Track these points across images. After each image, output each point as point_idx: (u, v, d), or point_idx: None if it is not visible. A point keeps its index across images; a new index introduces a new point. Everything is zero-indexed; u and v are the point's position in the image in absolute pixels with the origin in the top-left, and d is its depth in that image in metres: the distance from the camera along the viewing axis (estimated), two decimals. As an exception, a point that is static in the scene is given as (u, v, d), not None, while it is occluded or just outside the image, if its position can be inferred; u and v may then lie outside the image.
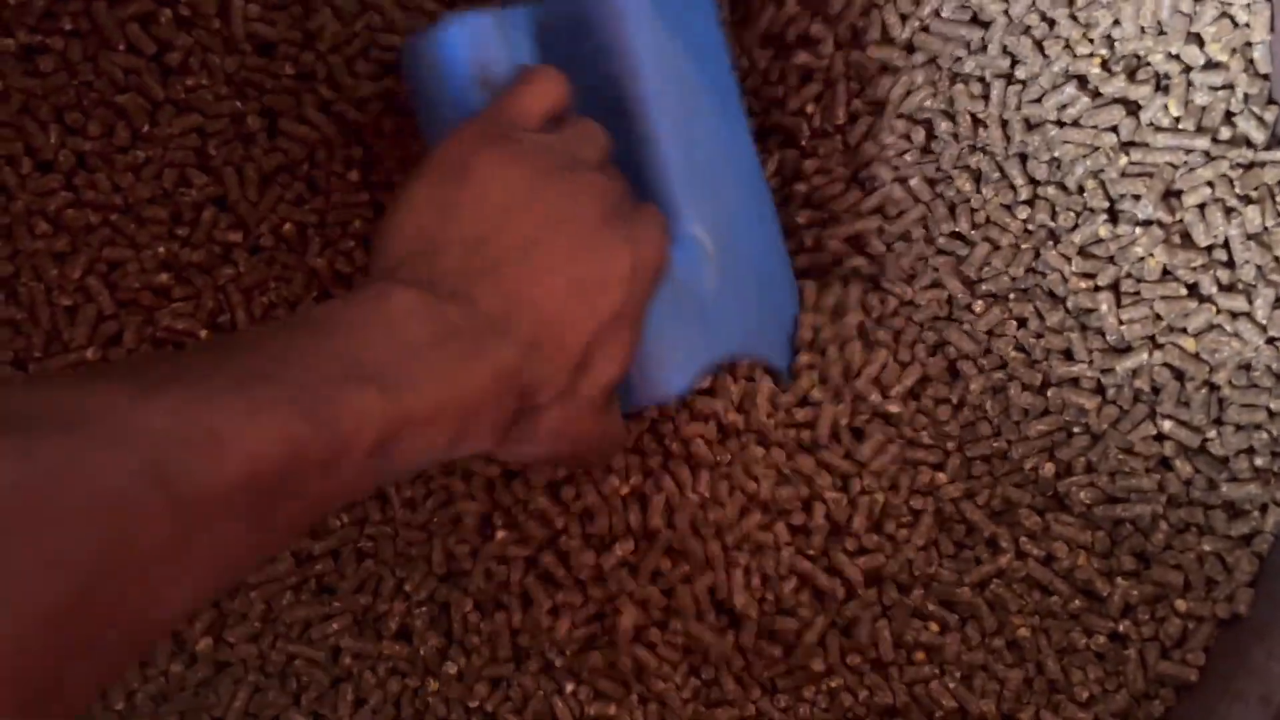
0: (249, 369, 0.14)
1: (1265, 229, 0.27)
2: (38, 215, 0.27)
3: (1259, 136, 0.27)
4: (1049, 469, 0.27)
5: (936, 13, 0.28)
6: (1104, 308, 0.26)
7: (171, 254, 0.26)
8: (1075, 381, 0.26)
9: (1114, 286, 0.26)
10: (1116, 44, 0.27)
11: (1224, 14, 0.27)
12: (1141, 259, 0.26)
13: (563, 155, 0.19)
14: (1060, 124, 0.27)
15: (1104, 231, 0.27)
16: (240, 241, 0.27)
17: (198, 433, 0.13)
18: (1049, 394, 0.26)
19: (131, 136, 0.27)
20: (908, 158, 0.27)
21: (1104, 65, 0.27)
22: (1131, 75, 0.27)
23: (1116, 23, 0.27)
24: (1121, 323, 0.26)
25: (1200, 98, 0.27)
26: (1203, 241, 0.26)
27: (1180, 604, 0.27)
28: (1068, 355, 0.27)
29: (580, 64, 0.22)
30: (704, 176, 0.23)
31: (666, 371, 0.22)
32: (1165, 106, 0.27)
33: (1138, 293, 0.26)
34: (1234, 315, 0.26)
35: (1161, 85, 0.27)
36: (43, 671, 0.12)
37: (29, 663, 0.11)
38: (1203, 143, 0.27)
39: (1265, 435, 0.27)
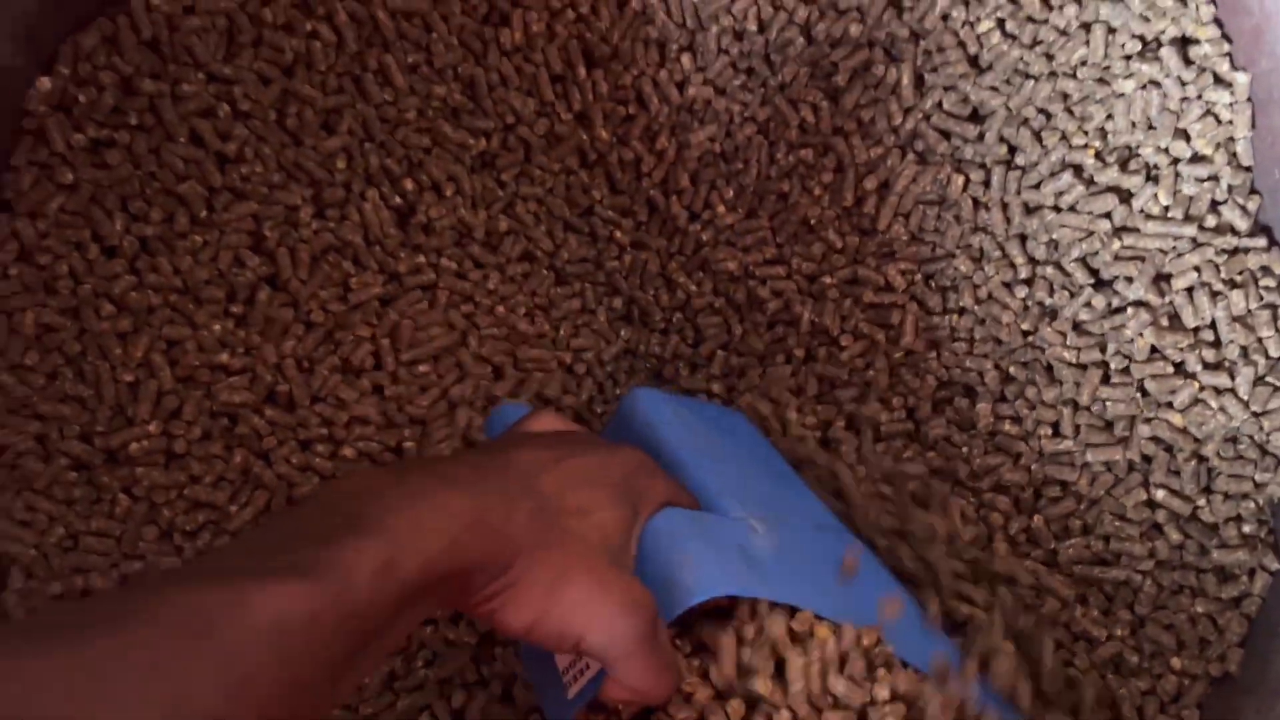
0: (282, 556, 0.17)
1: (1249, 311, 0.28)
2: (103, 297, 0.28)
3: (1242, 224, 0.29)
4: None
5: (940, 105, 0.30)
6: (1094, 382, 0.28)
7: (228, 331, 0.28)
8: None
9: (1104, 363, 0.28)
10: (1109, 136, 0.29)
11: (1209, 112, 0.29)
12: (1131, 340, 0.28)
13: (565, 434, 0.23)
14: (1056, 209, 0.29)
15: (1098, 308, 0.29)
16: (292, 319, 0.29)
17: (380, 560, 0.17)
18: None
19: (190, 222, 0.28)
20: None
21: (1098, 156, 0.29)
22: (1124, 165, 0.29)
23: (1109, 117, 0.29)
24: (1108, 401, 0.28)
25: (1187, 188, 0.29)
26: (1191, 323, 0.28)
27: (1175, 662, 0.29)
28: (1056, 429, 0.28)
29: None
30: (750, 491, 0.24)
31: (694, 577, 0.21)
32: (1155, 195, 0.29)
33: (1126, 369, 0.28)
34: (1219, 391, 0.28)
35: (1151, 175, 0.29)
36: None
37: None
38: (1190, 230, 0.28)
39: (1252, 504, 0.28)
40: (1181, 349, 0.28)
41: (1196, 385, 0.28)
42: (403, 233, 0.30)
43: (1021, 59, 0.28)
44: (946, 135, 0.29)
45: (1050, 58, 0.28)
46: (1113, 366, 0.28)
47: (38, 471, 0.28)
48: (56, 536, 0.28)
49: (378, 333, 0.29)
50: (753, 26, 0.31)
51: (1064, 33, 0.28)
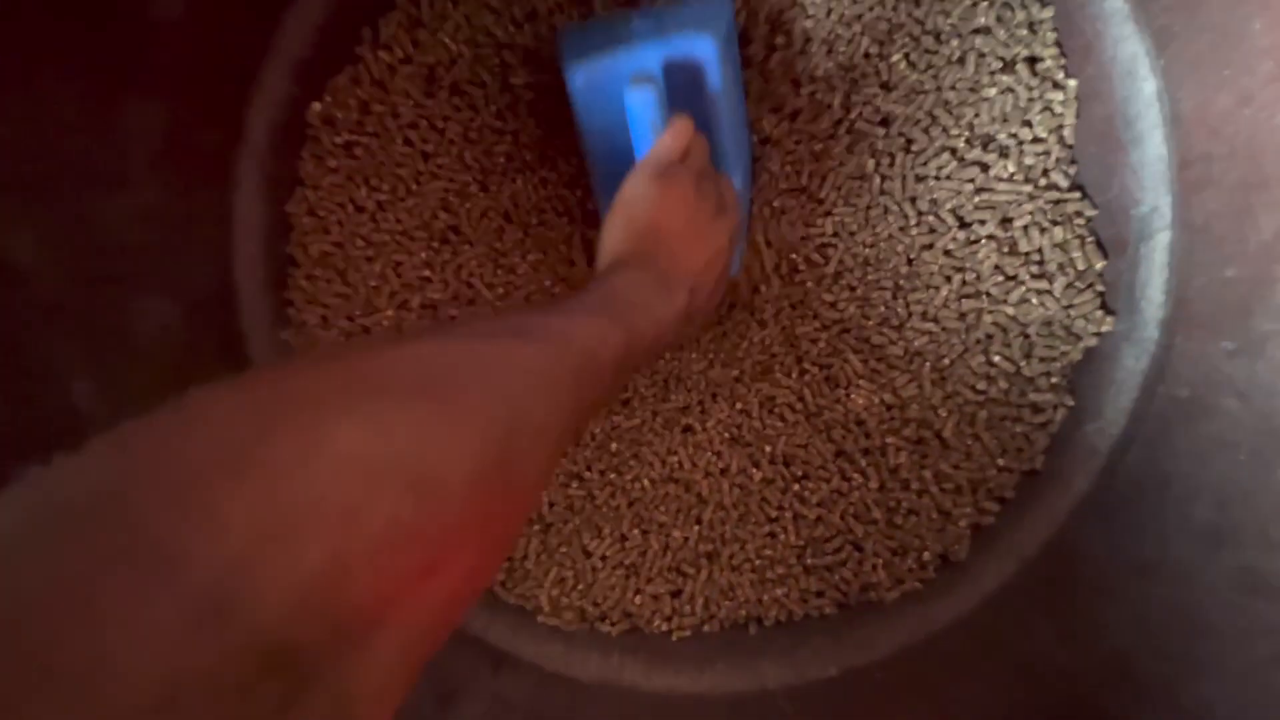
0: (589, 307, 0.23)
1: (1065, 240, 0.43)
2: (355, 235, 0.47)
3: (1064, 183, 0.43)
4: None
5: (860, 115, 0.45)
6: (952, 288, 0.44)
7: (431, 257, 0.47)
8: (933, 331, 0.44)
9: (963, 277, 0.44)
10: (975, 127, 0.43)
11: (1047, 108, 0.43)
12: (981, 261, 0.44)
13: (693, 177, 0.30)
14: (937, 178, 0.44)
15: (960, 240, 0.44)
16: (470, 250, 0.47)
17: (600, 328, 0.22)
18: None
19: (406, 191, 0.47)
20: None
21: (967, 141, 0.43)
22: (985, 146, 0.43)
23: (977, 115, 0.43)
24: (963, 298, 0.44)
25: (1028, 160, 0.43)
26: (1024, 249, 0.43)
27: (1000, 461, 0.45)
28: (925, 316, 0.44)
29: (686, 77, 0.34)
30: (739, 141, 0.37)
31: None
32: (1005, 165, 0.43)
33: (977, 279, 0.44)
34: (1039, 293, 0.43)
35: (1004, 152, 0.43)
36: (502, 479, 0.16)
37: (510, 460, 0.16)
38: (1028, 188, 0.43)
39: (1058, 365, 0.44)
40: (1016, 267, 0.43)
41: (1024, 288, 0.43)
42: (537, 198, 0.48)
43: (918, 80, 0.43)
44: (864, 134, 0.45)
45: (937, 77, 0.43)
46: (967, 279, 0.44)
47: (321, 337, 0.48)
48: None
49: (518, 253, 0.48)
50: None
51: (949, 60, 0.42)
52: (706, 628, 0.47)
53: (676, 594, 0.47)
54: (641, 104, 0.30)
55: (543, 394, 0.18)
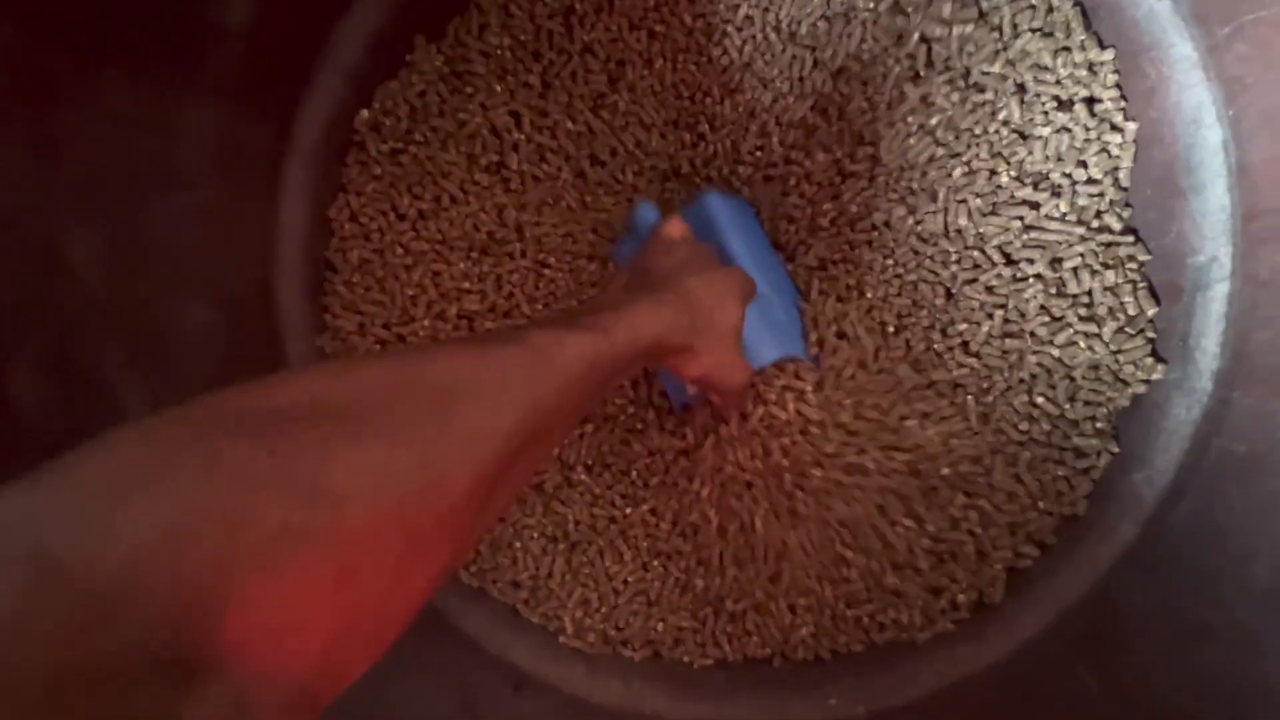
0: (581, 325, 0.25)
1: (1116, 284, 0.42)
2: (396, 244, 0.47)
3: (1117, 226, 0.42)
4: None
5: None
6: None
7: (469, 268, 0.47)
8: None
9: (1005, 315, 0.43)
10: (1026, 165, 0.43)
11: (1103, 149, 0.42)
12: (1028, 300, 0.43)
13: (690, 245, 0.36)
14: (984, 214, 0.43)
15: (1005, 277, 0.43)
16: (511, 262, 0.47)
17: (586, 345, 0.24)
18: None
19: (450, 200, 0.47)
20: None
21: (1017, 179, 0.43)
22: (1036, 185, 0.43)
23: (1030, 153, 0.43)
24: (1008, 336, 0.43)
25: (1081, 201, 0.42)
26: (1073, 291, 0.43)
27: (1040, 504, 0.44)
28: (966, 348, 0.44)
29: (704, 227, 0.41)
30: (763, 268, 0.41)
31: (764, 351, 0.39)
32: (1058, 205, 0.43)
33: (1022, 318, 0.43)
34: (1088, 336, 0.43)
35: (1056, 192, 0.43)
36: (493, 476, 0.18)
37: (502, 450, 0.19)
38: (1080, 230, 0.42)
39: (1104, 410, 0.43)
40: (1064, 309, 0.43)
41: (1071, 330, 0.42)
42: (576, 210, 0.47)
43: (973, 120, 0.42)
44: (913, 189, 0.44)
45: (993, 116, 0.42)
46: (1010, 317, 0.43)
47: (357, 344, 0.48)
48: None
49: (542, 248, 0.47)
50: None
51: (995, 104, 0.42)
52: (731, 658, 0.46)
53: (700, 624, 0.46)
54: (644, 212, 0.40)
55: (473, 402, 0.19)
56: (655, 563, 0.46)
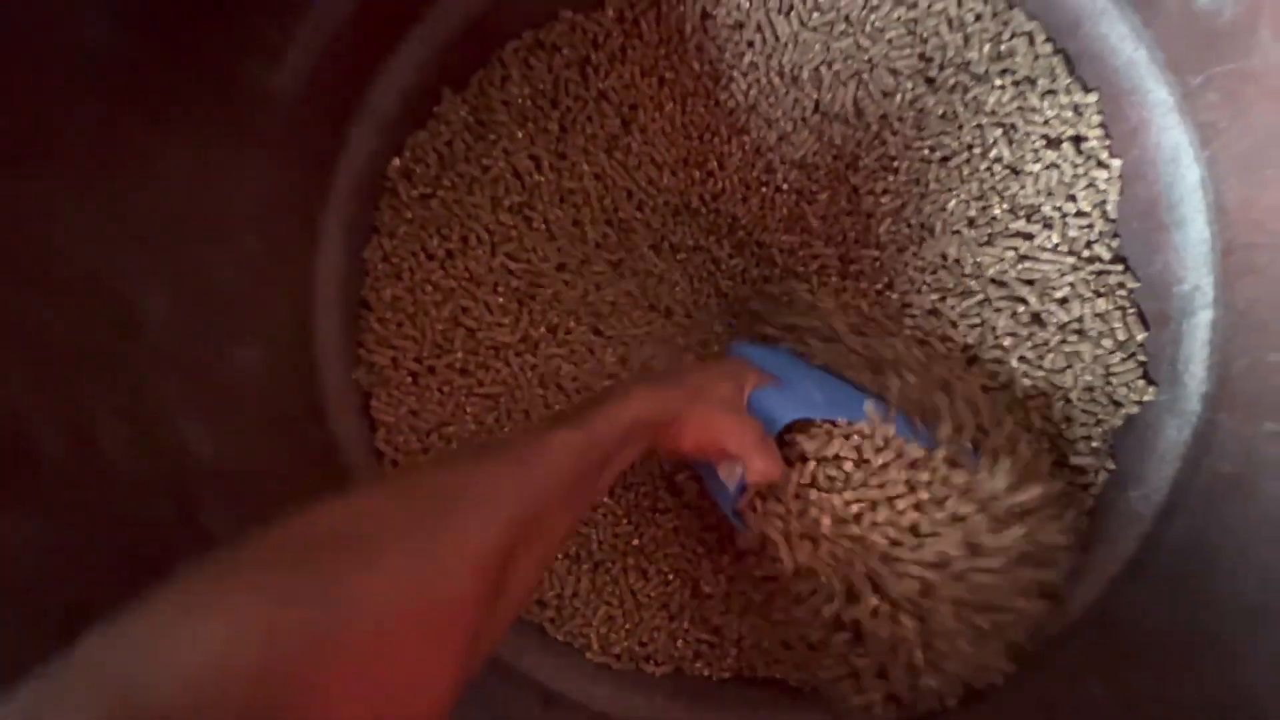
0: (567, 421, 0.27)
1: (1106, 311, 0.45)
2: (426, 281, 0.50)
3: (1107, 255, 0.45)
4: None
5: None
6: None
7: (495, 303, 0.50)
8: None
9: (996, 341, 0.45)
10: (1019, 198, 0.45)
11: (1091, 184, 0.45)
12: (1023, 325, 0.45)
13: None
14: (979, 244, 0.46)
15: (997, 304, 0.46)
16: (532, 295, 0.50)
17: (569, 438, 0.26)
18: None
19: (476, 240, 0.50)
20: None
21: (1010, 212, 0.45)
22: (1029, 218, 0.45)
23: (1022, 187, 0.45)
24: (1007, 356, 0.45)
25: (1072, 232, 0.45)
26: (1064, 320, 0.45)
27: None
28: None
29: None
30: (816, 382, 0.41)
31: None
32: (1049, 236, 0.45)
33: (1014, 343, 0.45)
34: (1080, 361, 0.45)
35: (1048, 224, 0.45)
36: (507, 554, 0.21)
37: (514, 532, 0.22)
38: (1071, 260, 0.45)
39: (1099, 430, 0.45)
40: (1057, 334, 0.45)
41: (1065, 355, 0.45)
42: (610, 264, 0.50)
43: (963, 158, 0.45)
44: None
45: (984, 154, 0.45)
46: (1004, 343, 0.45)
47: (390, 378, 0.51)
48: (401, 412, 0.50)
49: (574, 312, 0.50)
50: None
51: (987, 142, 0.45)
52: (747, 673, 0.48)
53: (717, 639, 0.48)
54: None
55: (467, 507, 0.22)
56: (674, 578, 0.48)
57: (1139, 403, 0.43)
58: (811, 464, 0.37)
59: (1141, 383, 0.43)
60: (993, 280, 0.45)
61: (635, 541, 0.49)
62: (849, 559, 0.35)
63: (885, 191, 0.46)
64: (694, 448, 0.34)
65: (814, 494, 0.36)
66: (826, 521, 0.35)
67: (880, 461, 0.36)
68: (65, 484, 0.27)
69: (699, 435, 0.33)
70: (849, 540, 0.35)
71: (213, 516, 0.33)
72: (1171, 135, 0.39)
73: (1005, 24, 0.44)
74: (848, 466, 0.36)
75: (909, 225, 0.46)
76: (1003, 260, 0.45)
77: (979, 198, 0.45)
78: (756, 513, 0.37)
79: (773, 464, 0.34)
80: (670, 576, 0.48)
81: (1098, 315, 0.44)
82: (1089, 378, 0.44)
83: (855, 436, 0.37)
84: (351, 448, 0.47)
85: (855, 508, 0.35)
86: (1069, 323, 0.44)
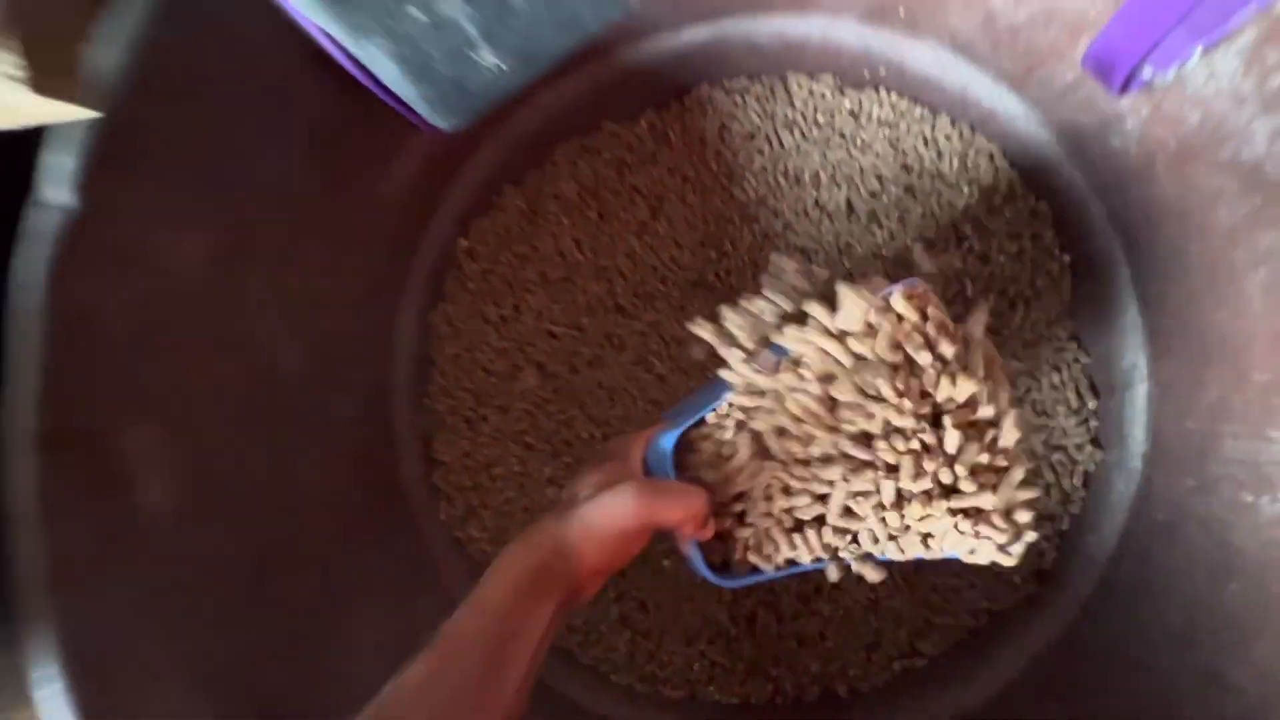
0: (466, 604, 0.27)
1: (1062, 382, 0.52)
2: (483, 343, 0.59)
3: (1064, 335, 0.53)
4: None
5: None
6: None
7: (540, 359, 0.58)
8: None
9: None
10: (990, 282, 0.54)
11: (1047, 273, 0.53)
12: None
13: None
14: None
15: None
16: (572, 354, 0.58)
17: (506, 580, 0.27)
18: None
19: (526, 309, 0.59)
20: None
21: (982, 293, 0.54)
22: (999, 296, 0.54)
23: (992, 273, 0.54)
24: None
25: (1034, 313, 0.53)
26: (1026, 388, 0.53)
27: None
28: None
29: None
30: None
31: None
32: (1014, 316, 0.53)
33: None
34: (1040, 424, 0.52)
35: (1012, 304, 0.53)
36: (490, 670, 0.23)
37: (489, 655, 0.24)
38: (1032, 336, 0.53)
39: (1063, 482, 0.52)
40: (1022, 401, 0.53)
41: (1029, 418, 0.52)
42: (627, 310, 0.59)
43: (943, 249, 0.54)
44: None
45: (959, 244, 0.54)
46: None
47: (448, 421, 0.59)
48: (456, 454, 0.58)
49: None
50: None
51: (961, 233, 0.54)
52: (754, 699, 0.53)
53: (729, 661, 0.54)
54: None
55: (447, 661, 0.25)
56: (686, 606, 0.54)
57: (1093, 461, 0.50)
58: (707, 448, 0.35)
59: (1091, 447, 0.50)
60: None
61: (658, 574, 0.55)
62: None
63: (875, 273, 0.55)
64: (608, 562, 0.30)
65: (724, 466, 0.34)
66: (745, 454, 0.33)
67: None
68: (226, 497, 0.35)
69: (598, 554, 0.30)
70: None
71: (313, 535, 0.41)
72: (1106, 241, 0.47)
73: (970, 144, 0.53)
74: (727, 434, 0.34)
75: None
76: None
77: (955, 279, 0.53)
78: (719, 538, 0.35)
79: (679, 504, 0.31)
80: (683, 603, 0.55)
81: (1053, 387, 0.52)
82: (1051, 439, 0.51)
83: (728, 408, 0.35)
84: (413, 482, 0.55)
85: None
86: (1030, 390, 0.52)
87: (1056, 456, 0.51)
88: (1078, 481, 0.50)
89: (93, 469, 0.28)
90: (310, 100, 0.36)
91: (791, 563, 0.34)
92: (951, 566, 0.52)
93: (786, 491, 0.33)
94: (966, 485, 0.30)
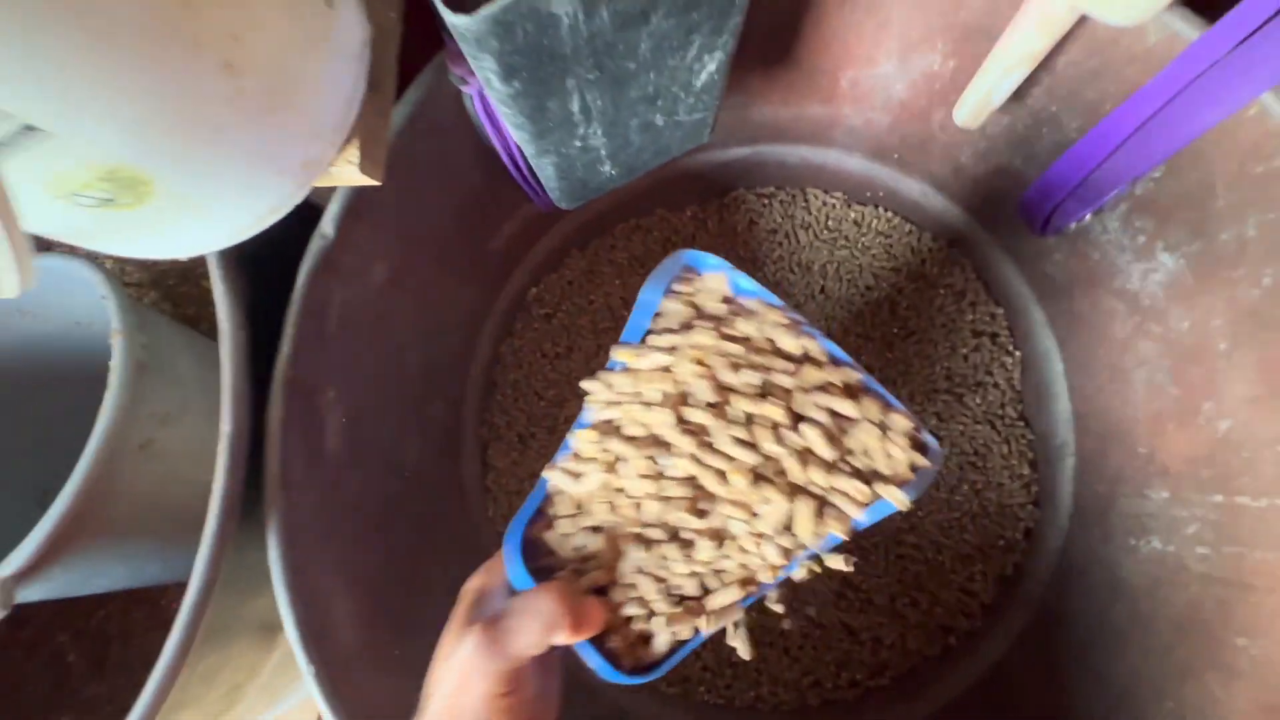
0: None
1: (1008, 452, 0.64)
2: (539, 374, 0.71)
3: (1013, 414, 0.65)
4: None
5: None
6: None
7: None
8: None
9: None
10: (953, 370, 0.67)
11: (1001, 365, 0.66)
12: (946, 463, 0.65)
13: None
14: (916, 401, 0.67)
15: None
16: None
17: None
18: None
19: (578, 350, 0.71)
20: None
21: (948, 379, 0.67)
22: (961, 382, 0.67)
23: (958, 362, 0.67)
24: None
25: (990, 396, 0.66)
26: (978, 456, 0.65)
27: (966, 591, 0.63)
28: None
29: None
30: None
31: None
32: (974, 398, 0.66)
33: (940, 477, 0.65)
34: (987, 488, 0.64)
35: (972, 389, 0.66)
36: None
37: None
38: (988, 415, 0.65)
39: (1006, 535, 0.63)
40: (973, 469, 0.64)
41: (978, 485, 0.64)
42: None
43: (918, 340, 0.67)
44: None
45: (931, 334, 0.67)
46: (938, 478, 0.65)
47: (504, 435, 0.70)
48: (507, 462, 0.69)
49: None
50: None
51: (935, 327, 0.67)
52: (739, 702, 0.62)
53: (729, 665, 0.63)
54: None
55: None
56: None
57: (1032, 520, 0.61)
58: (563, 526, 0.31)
59: (1032, 506, 0.62)
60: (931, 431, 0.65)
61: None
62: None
63: (865, 353, 0.68)
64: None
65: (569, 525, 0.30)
66: (596, 543, 0.29)
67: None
68: (366, 453, 0.47)
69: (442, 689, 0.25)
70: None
71: (402, 513, 0.52)
72: (1045, 341, 0.61)
73: (946, 257, 0.68)
74: (564, 501, 0.31)
75: (879, 376, 0.67)
76: (938, 413, 0.65)
77: (929, 365, 0.67)
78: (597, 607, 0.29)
79: (539, 621, 0.26)
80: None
81: (1002, 456, 0.64)
82: (995, 500, 0.63)
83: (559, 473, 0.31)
84: (472, 480, 0.66)
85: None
86: (981, 460, 0.64)
87: (1005, 514, 0.63)
88: (1019, 535, 0.62)
89: (307, 412, 0.40)
90: (467, 179, 0.50)
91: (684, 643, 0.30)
92: (920, 602, 0.62)
93: (658, 569, 0.30)
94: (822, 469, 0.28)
